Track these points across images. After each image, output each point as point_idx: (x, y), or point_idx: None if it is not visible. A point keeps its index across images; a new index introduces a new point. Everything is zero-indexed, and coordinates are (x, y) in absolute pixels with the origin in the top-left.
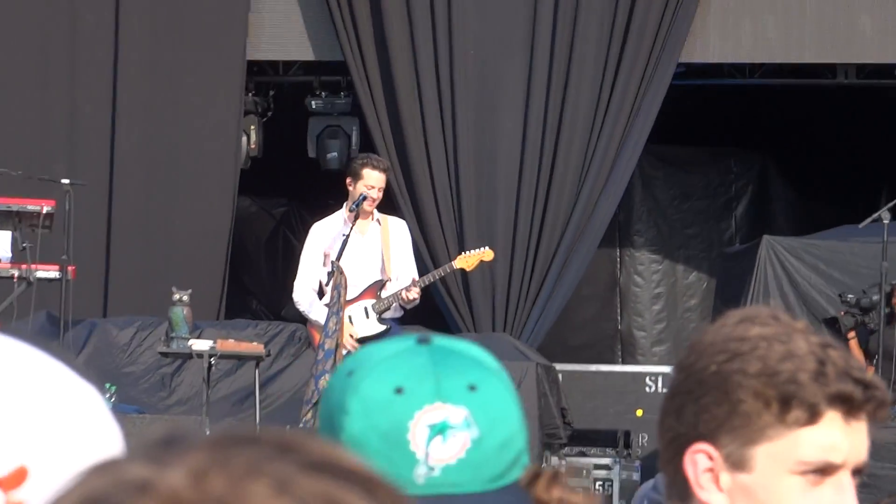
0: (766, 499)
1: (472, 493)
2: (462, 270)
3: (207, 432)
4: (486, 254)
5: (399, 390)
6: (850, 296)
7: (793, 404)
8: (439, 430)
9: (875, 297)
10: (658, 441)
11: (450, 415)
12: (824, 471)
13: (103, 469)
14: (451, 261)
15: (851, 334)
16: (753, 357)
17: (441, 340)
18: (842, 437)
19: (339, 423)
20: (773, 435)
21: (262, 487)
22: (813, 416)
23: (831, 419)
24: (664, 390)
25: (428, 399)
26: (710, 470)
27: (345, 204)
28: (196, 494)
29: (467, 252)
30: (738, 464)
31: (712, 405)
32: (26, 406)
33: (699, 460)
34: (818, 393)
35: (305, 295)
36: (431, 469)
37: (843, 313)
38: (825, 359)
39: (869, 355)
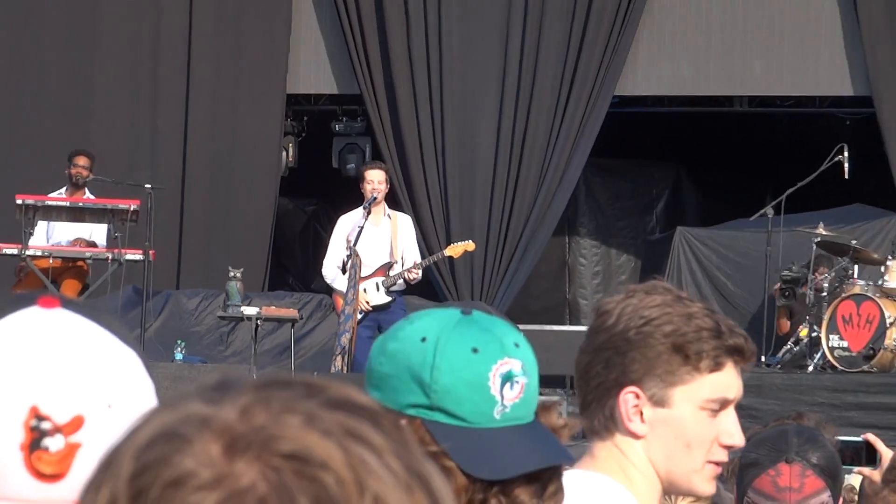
0: (681, 428)
1: (529, 423)
2: (450, 257)
3: (252, 378)
4: (469, 245)
5: (475, 350)
6: (785, 272)
7: (702, 356)
8: (508, 378)
9: (803, 271)
10: (579, 387)
11: (513, 366)
12: (722, 405)
13: (171, 407)
14: (442, 249)
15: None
16: (664, 321)
17: (476, 313)
18: (733, 380)
19: (426, 377)
20: (688, 379)
21: (295, 420)
22: (717, 365)
23: (729, 366)
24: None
25: (498, 356)
26: (636, 406)
27: (363, 204)
28: (244, 426)
29: (455, 243)
30: (659, 402)
31: (638, 358)
32: (81, 366)
33: (629, 399)
34: (720, 346)
35: (331, 270)
36: (505, 407)
37: (777, 287)
38: (717, 319)
39: (794, 323)
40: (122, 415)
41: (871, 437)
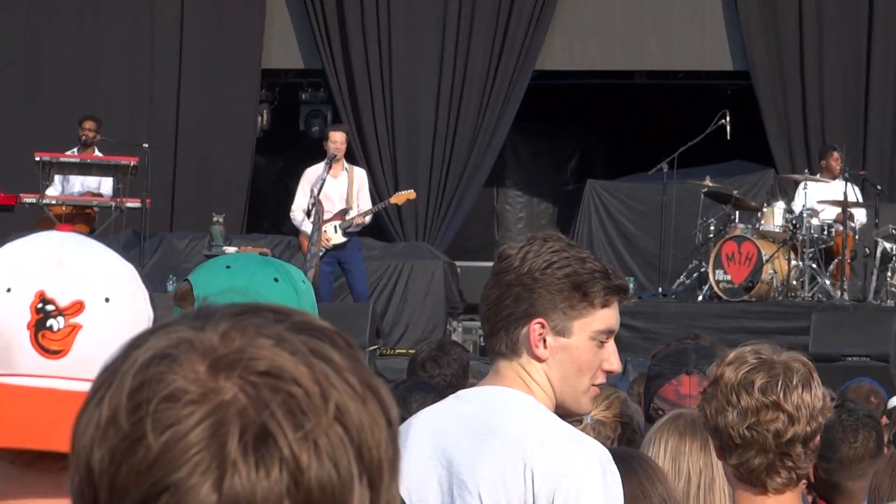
0: (576, 354)
1: None
2: (395, 204)
3: (228, 306)
4: (411, 194)
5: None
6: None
7: (596, 294)
8: None
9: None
10: (488, 317)
11: None
12: (608, 336)
13: (163, 332)
14: (388, 198)
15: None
16: (563, 263)
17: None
18: (616, 314)
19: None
20: (584, 314)
21: (267, 342)
22: (606, 302)
23: (614, 303)
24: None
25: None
26: (541, 335)
27: (325, 159)
28: (224, 348)
29: (399, 192)
30: (560, 332)
31: (544, 294)
32: (84, 264)
33: (536, 329)
34: (609, 286)
35: (298, 214)
36: None
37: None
38: (603, 263)
39: None
40: (118, 310)
41: None
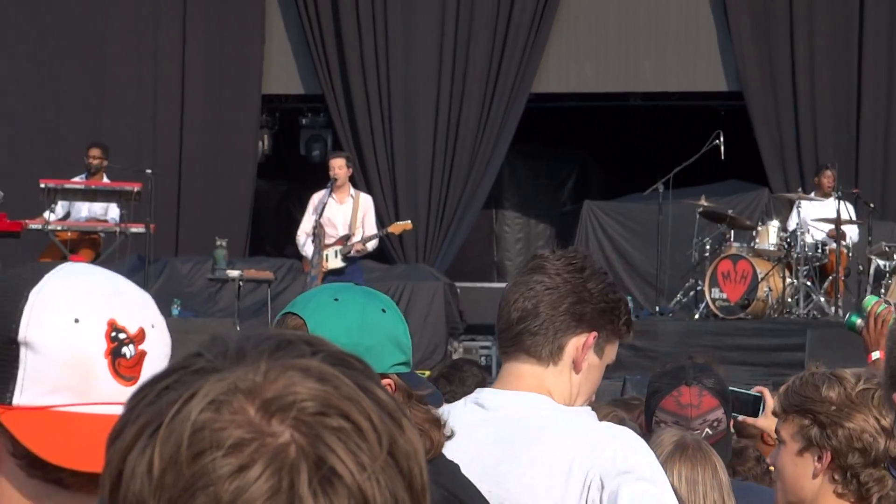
0: (598, 376)
1: None
2: (393, 234)
3: (260, 339)
4: (408, 224)
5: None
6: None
7: (625, 324)
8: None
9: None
10: (540, 314)
11: None
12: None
13: (201, 373)
14: (386, 227)
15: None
16: (615, 290)
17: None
18: None
19: (404, 339)
20: (613, 341)
21: (310, 380)
22: (628, 333)
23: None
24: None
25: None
26: (588, 348)
27: (327, 184)
28: (271, 389)
29: (396, 223)
30: (598, 351)
31: (599, 312)
32: (133, 291)
33: (591, 341)
34: (630, 318)
35: (300, 238)
36: None
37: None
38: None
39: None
40: (162, 335)
41: (764, 390)
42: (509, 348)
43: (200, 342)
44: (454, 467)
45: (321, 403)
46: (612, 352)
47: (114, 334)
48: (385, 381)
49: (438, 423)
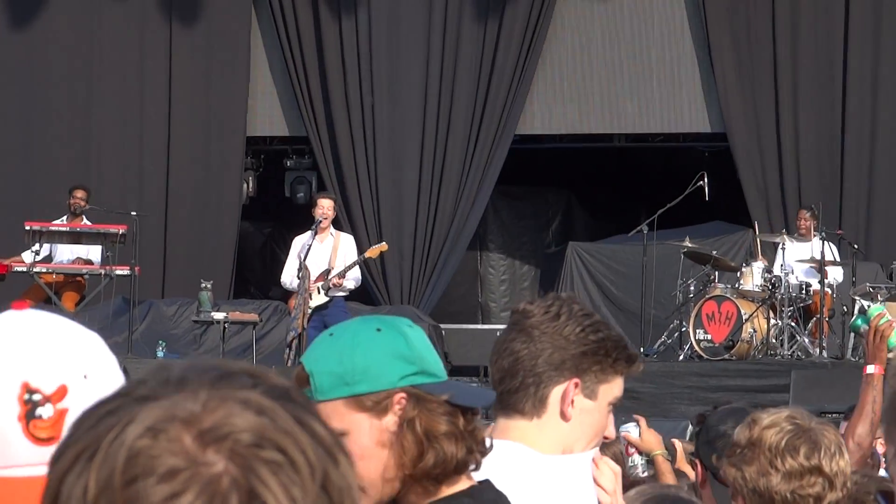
0: (597, 419)
1: None
2: (370, 258)
3: (201, 370)
4: (383, 246)
5: (410, 326)
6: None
7: (620, 360)
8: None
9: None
10: (515, 372)
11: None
12: (615, 403)
13: (140, 401)
14: (363, 254)
15: None
16: (597, 327)
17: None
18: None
19: (406, 350)
20: (609, 379)
21: (248, 412)
22: (626, 370)
23: (627, 371)
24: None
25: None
26: (574, 395)
27: (311, 226)
28: (209, 419)
29: (372, 246)
30: (588, 395)
31: (579, 356)
32: (57, 345)
33: (571, 388)
34: (630, 354)
35: (286, 278)
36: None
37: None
38: (616, 330)
39: None
40: (97, 384)
41: (640, 418)
42: (497, 408)
43: (147, 369)
44: (501, 497)
45: (257, 435)
46: (611, 390)
47: (27, 396)
48: (397, 396)
49: (474, 437)
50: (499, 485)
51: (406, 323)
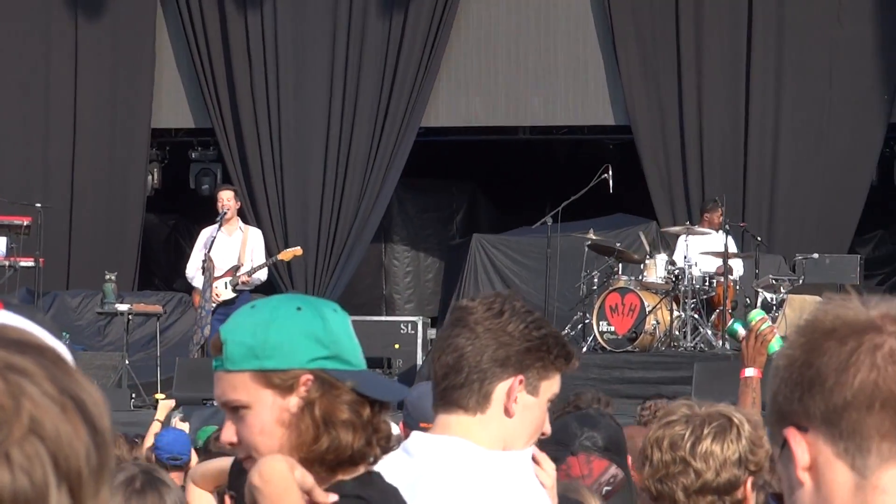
0: (537, 415)
1: None
2: (283, 260)
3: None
4: (298, 251)
5: (335, 310)
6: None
7: (560, 357)
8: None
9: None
10: (459, 368)
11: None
12: (553, 400)
13: None
14: (276, 255)
15: None
16: (539, 323)
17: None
18: None
19: (322, 334)
20: (550, 376)
21: None
22: (564, 366)
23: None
24: (412, 332)
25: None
26: (517, 391)
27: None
28: None
29: (286, 249)
30: (532, 391)
31: (523, 352)
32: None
33: (516, 385)
34: (569, 351)
35: (190, 271)
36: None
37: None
38: (555, 328)
39: None
40: None
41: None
42: (439, 403)
43: None
44: (388, 489)
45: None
46: (551, 386)
47: None
48: (304, 377)
49: (377, 430)
50: (443, 479)
51: (331, 307)
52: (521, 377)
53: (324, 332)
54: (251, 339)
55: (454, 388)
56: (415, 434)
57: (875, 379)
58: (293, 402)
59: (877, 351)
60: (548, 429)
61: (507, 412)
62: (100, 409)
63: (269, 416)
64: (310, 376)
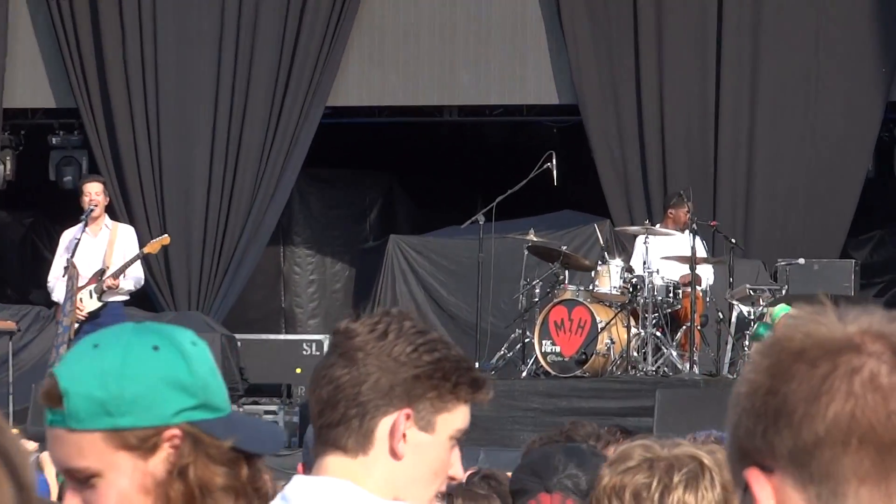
0: (436, 455)
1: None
2: (150, 255)
3: None
4: (165, 239)
5: (194, 343)
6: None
7: (464, 385)
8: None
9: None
10: (335, 403)
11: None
12: (460, 437)
13: None
14: (141, 249)
15: None
16: (433, 347)
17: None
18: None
19: (186, 378)
20: (450, 408)
21: None
22: (470, 397)
23: (472, 398)
24: (317, 353)
25: (206, 347)
26: (404, 428)
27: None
28: None
29: (152, 241)
30: (424, 427)
31: (411, 382)
32: None
33: (402, 421)
34: (477, 378)
35: (51, 282)
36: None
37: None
38: (458, 350)
39: None
40: None
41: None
42: (317, 444)
43: None
44: None
45: None
46: (453, 420)
47: None
48: (168, 433)
49: (258, 492)
50: None
51: (189, 338)
52: (408, 411)
53: (188, 375)
54: (102, 391)
55: (330, 427)
56: (295, 478)
57: (852, 410)
58: (157, 463)
59: (854, 376)
60: (458, 471)
61: (394, 453)
62: (27, 466)
63: (127, 483)
64: (176, 432)
